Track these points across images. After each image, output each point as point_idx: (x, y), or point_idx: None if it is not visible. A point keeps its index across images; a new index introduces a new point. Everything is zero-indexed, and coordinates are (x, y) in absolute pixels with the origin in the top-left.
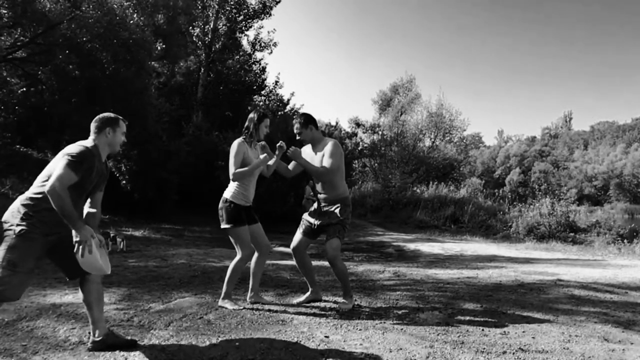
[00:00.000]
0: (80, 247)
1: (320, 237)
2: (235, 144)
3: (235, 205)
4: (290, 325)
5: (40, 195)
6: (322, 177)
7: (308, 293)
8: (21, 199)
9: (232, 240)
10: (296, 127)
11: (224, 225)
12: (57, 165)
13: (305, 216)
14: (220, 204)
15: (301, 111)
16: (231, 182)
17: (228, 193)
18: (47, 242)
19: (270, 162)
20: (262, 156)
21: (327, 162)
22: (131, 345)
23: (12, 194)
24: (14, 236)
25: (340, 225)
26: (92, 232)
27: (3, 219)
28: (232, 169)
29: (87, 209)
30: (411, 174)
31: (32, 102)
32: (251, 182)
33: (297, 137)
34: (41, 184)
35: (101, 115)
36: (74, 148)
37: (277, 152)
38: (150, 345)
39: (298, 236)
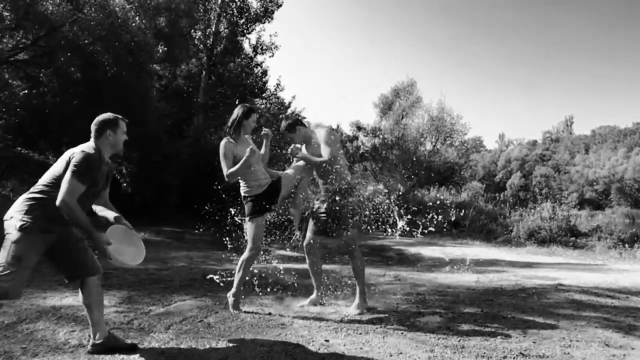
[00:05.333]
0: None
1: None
2: (221, 145)
3: (253, 199)
4: (291, 328)
5: (43, 195)
6: (324, 166)
7: (313, 296)
8: (24, 197)
9: (247, 231)
10: (287, 136)
11: (245, 218)
12: (65, 178)
13: (317, 210)
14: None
15: (287, 122)
16: (239, 180)
17: (242, 191)
18: (46, 239)
19: (262, 151)
20: (247, 150)
21: (324, 152)
22: (131, 349)
23: (13, 195)
24: (16, 231)
25: (352, 215)
26: (107, 239)
27: (6, 215)
28: (225, 171)
29: (99, 211)
30: (412, 177)
31: (33, 104)
32: (257, 171)
33: (295, 145)
34: (45, 184)
35: (100, 118)
36: (78, 156)
37: (264, 141)
38: (150, 348)
39: (310, 232)
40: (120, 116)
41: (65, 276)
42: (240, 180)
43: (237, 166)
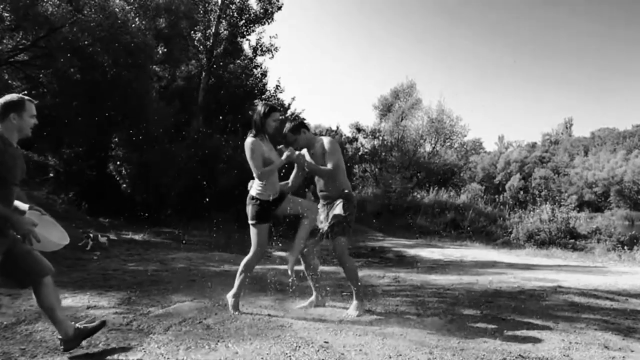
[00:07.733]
0: (27, 239)
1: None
2: (249, 144)
3: (260, 203)
4: (290, 330)
5: None
6: (329, 176)
7: (312, 298)
8: None
9: (251, 235)
10: (289, 137)
11: (249, 221)
12: None
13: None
14: (247, 201)
15: (291, 124)
16: (256, 179)
17: (254, 191)
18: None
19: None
20: (286, 151)
21: (330, 161)
22: (101, 326)
23: None
24: None
25: (345, 223)
26: (32, 220)
27: None
28: (256, 171)
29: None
30: (411, 179)
31: None
32: (275, 176)
33: (296, 148)
34: None
35: (3, 100)
36: None
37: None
38: (149, 349)
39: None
40: (27, 97)
41: (16, 285)
42: (256, 181)
43: (274, 165)
